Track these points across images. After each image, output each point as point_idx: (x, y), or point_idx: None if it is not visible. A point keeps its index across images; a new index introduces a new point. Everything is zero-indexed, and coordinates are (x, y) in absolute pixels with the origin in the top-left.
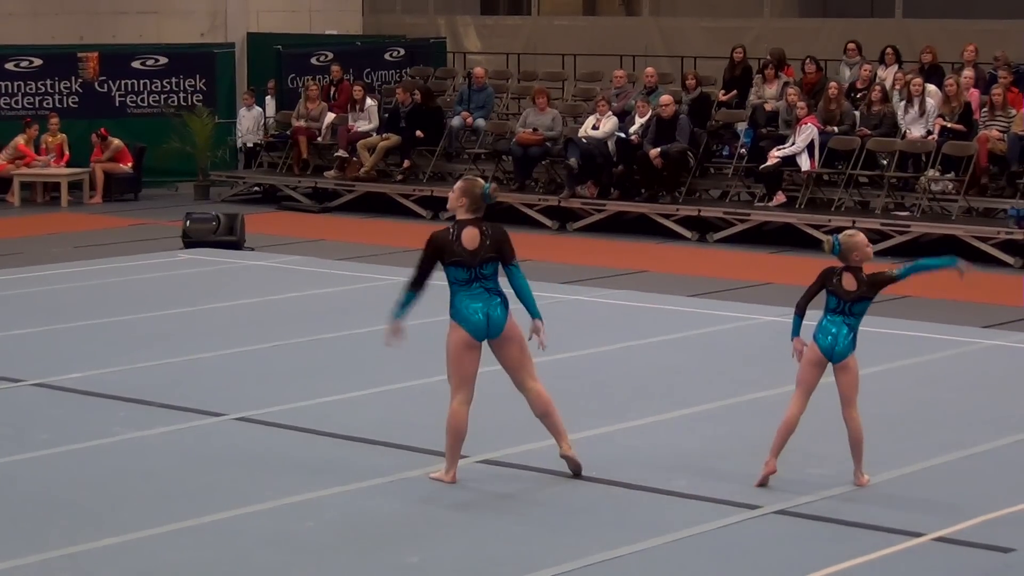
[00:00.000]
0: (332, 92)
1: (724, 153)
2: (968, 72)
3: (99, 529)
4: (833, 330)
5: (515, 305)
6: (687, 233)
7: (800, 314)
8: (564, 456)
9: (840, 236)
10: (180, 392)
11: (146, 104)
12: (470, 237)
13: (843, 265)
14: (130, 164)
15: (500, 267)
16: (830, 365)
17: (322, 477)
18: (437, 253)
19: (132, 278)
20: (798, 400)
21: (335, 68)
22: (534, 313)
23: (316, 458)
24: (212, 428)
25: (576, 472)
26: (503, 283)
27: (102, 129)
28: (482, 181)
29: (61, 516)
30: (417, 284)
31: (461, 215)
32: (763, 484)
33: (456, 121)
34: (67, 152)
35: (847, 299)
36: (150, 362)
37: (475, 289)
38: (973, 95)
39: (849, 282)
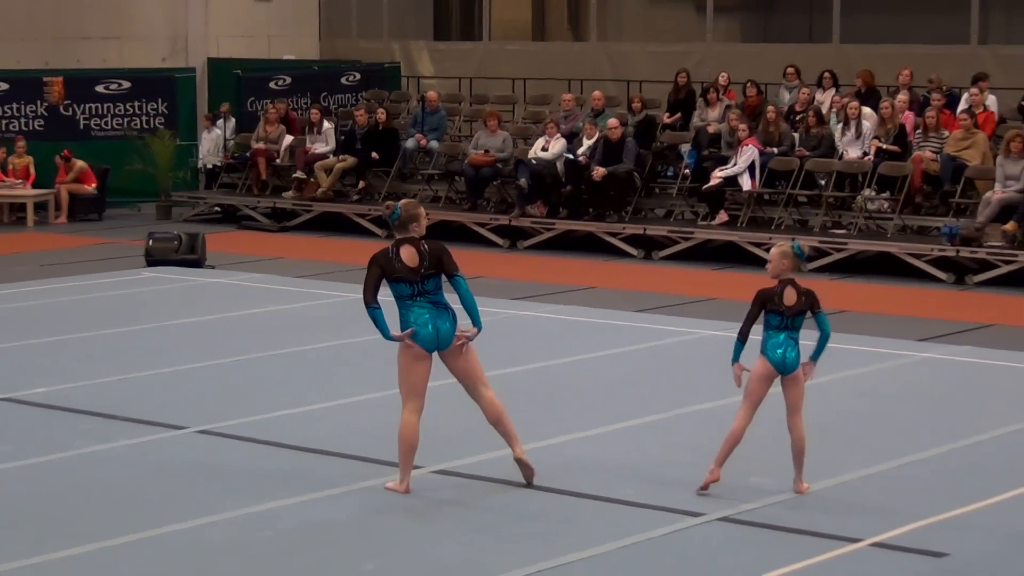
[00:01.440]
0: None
1: (669, 173)
2: (902, 95)
3: (63, 539)
4: (781, 345)
5: (464, 320)
6: (633, 251)
7: (742, 340)
8: (518, 460)
9: (401, 203)
10: (142, 406)
11: (109, 127)
12: (408, 255)
13: (777, 284)
14: (94, 185)
15: (444, 280)
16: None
17: (279, 488)
18: (380, 271)
19: (96, 295)
20: (745, 413)
21: (279, 103)
22: (476, 323)
23: (274, 469)
24: (173, 441)
25: (529, 477)
26: (452, 298)
27: (65, 151)
28: (395, 204)
29: (25, 527)
30: (371, 298)
31: (399, 234)
32: (704, 490)
33: (410, 143)
34: (33, 173)
35: (789, 314)
36: (113, 376)
37: (420, 303)
38: (908, 117)
39: (791, 297)
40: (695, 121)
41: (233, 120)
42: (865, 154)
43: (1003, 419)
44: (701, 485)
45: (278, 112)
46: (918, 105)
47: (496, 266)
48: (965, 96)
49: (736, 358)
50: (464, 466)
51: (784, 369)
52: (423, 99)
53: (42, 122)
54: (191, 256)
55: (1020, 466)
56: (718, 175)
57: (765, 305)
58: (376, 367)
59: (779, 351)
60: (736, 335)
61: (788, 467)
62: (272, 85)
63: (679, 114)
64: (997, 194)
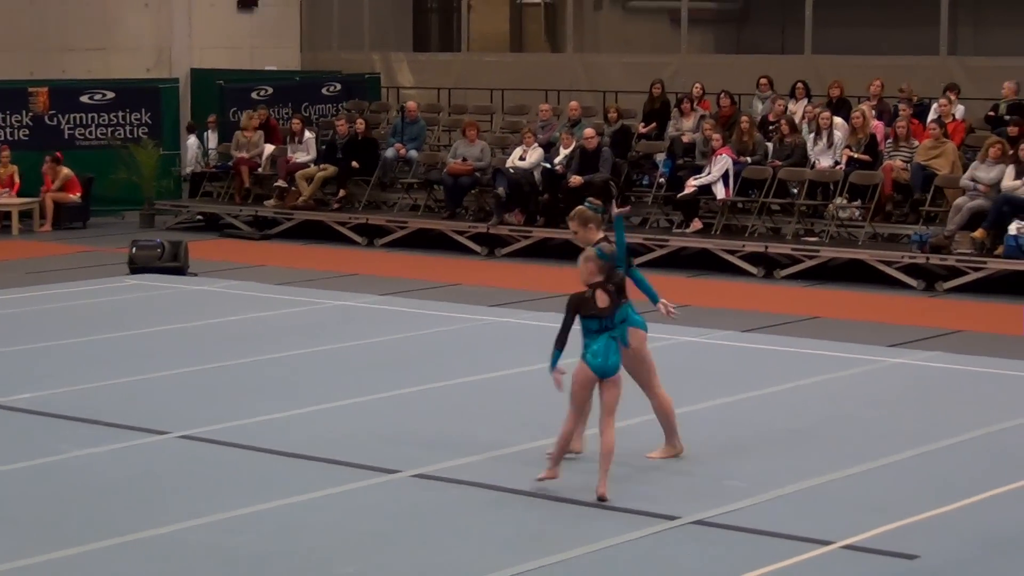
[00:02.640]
0: (263, 131)
1: (644, 182)
2: (864, 106)
3: (45, 543)
4: (601, 350)
5: None
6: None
7: (560, 348)
8: (677, 453)
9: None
10: (125, 411)
11: (94, 136)
12: (602, 298)
13: (587, 289)
14: (79, 194)
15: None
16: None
17: (261, 492)
18: (575, 309)
19: (80, 303)
20: (574, 416)
21: (261, 111)
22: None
23: (254, 474)
24: (157, 446)
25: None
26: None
27: (57, 153)
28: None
29: (8, 530)
30: (561, 341)
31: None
32: (540, 480)
33: (390, 152)
34: (17, 182)
35: (606, 315)
36: (97, 382)
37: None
38: (878, 127)
39: (603, 299)
40: (670, 131)
41: (211, 131)
42: (837, 163)
43: (972, 423)
44: (539, 478)
45: (260, 118)
46: (888, 115)
47: (474, 273)
48: (935, 106)
49: (554, 364)
50: (442, 470)
51: (604, 373)
52: (403, 109)
53: (27, 132)
54: (174, 263)
55: (990, 469)
56: (692, 184)
57: (579, 311)
58: (353, 374)
59: (599, 360)
60: (554, 343)
61: (761, 471)
62: (254, 95)
63: (654, 124)
64: (968, 201)
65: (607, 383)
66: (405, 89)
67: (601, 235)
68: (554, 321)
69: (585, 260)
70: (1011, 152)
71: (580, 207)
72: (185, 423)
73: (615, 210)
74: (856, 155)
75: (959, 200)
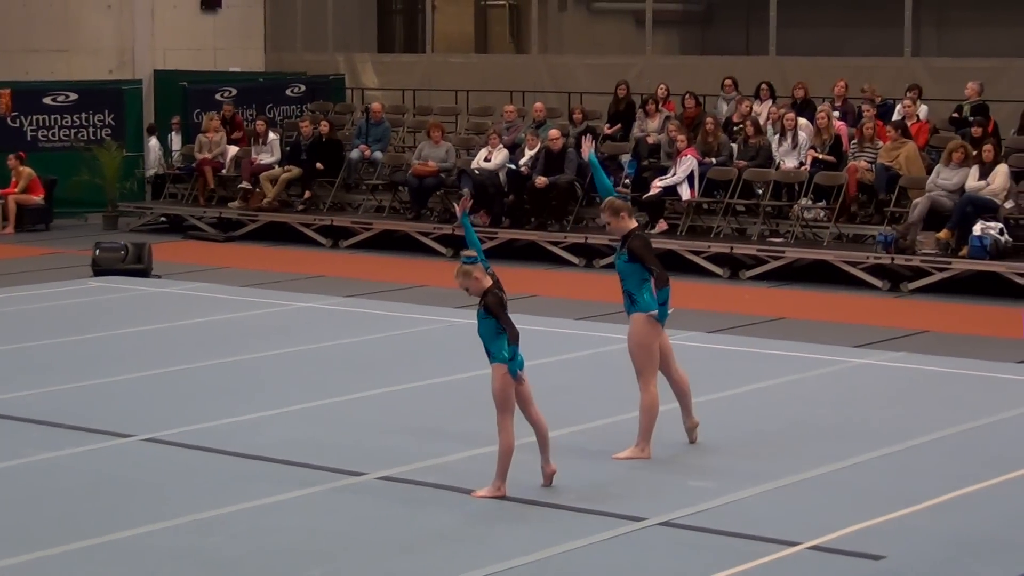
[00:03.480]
0: (228, 126)
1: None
2: (823, 108)
3: (11, 547)
4: (516, 353)
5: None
6: (575, 259)
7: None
8: (694, 425)
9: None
10: (89, 414)
11: (57, 138)
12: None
13: (485, 294)
14: (42, 196)
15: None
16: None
17: (227, 494)
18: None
19: (43, 305)
20: (511, 426)
21: (226, 107)
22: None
23: (221, 476)
24: (121, 448)
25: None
26: None
27: (21, 152)
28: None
29: None
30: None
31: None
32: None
33: (355, 154)
34: None
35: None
36: (60, 385)
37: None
38: (841, 128)
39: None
40: (635, 132)
41: (175, 133)
42: (801, 164)
43: (937, 423)
44: (477, 493)
45: (226, 113)
46: (852, 116)
47: (440, 275)
48: (898, 107)
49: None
50: (410, 472)
51: (516, 372)
52: (367, 110)
53: None
54: (138, 266)
55: (955, 469)
56: (658, 185)
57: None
58: (321, 375)
59: (516, 364)
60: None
61: (728, 472)
62: (218, 97)
63: (619, 125)
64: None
65: (520, 379)
66: (370, 90)
67: None
68: (519, 322)
69: (466, 275)
70: (975, 153)
71: (610, 198)
72: (150, 426)
73: (458, 209)
74: (821, 156)
75: (919, 199)
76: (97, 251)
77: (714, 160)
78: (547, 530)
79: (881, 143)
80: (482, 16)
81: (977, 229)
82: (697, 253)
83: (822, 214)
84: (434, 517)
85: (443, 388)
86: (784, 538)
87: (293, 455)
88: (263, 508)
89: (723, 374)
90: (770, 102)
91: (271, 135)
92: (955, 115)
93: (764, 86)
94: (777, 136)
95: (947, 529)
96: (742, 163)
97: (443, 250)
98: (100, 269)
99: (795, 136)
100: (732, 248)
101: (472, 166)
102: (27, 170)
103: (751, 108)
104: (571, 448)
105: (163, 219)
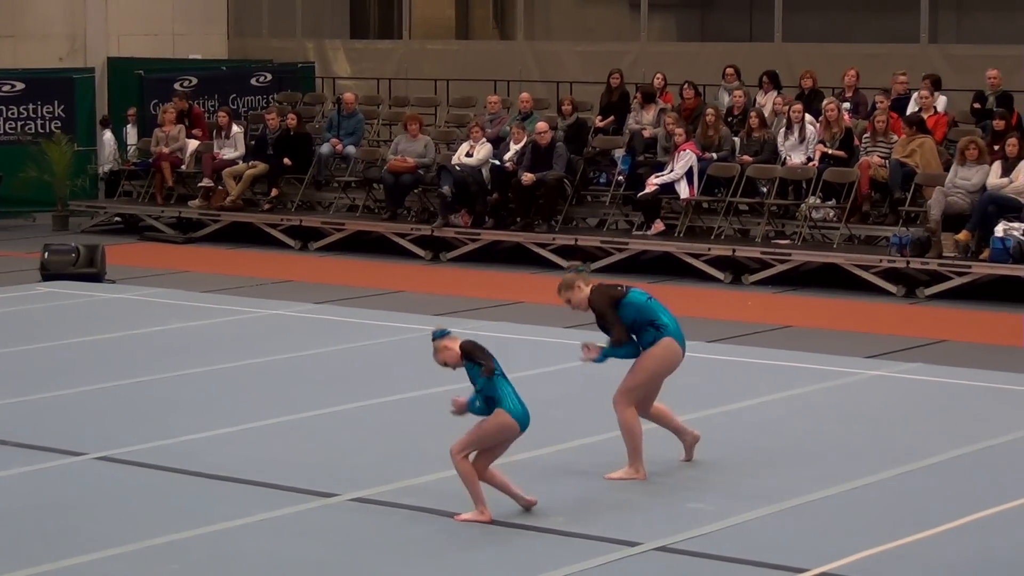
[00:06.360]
0: (186, 120)
1: (601, 180)
2: (829, 102)
3: None
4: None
5: None
6: (564, 263)
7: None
8: (694, 440)
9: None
10: (38, 430)
11: (2, 131)
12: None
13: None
14: None
15: None
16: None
17: (187, 517)
18: None
19: None
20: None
21: (178, 100)
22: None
23: (180, 498)
24: (72, 468)
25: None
26: None
27: None
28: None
29: None
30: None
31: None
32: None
33: (325, 148)
34: None
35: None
36: (7, 399)
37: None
38: (849, 121)
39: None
40: (629, 124)
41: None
42: (809, 159)
43: (955, 441)
44: (460, 517)
45: (176, 108)
46: (864, 108)
47: (418, 280)
48: (914, 98)
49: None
50: (385, 494)
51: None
52: (339, 101)
53: None
54: (90, 270)
55: (973, 491)
56: (654, 182)
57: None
58: (285, 389)
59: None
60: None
61: (724, 494)
62: (177, 86)
63: (612, 117)
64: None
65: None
66: (342, 79)
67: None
68: (504, 331)
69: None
70: (996, 148)
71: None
72: (103, 443)
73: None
74: (830, 151)
75: (936, 194)
76: (46, 254)
77: (715, 155)
78: (534, 556)
79: (896, 137)
80: None
81: (999, 230)
82: (696, 256)
83: (832, 214)
84: (412, 543)
85: (420, 402)
86: (789, 564)
87: (258, 475)
88: (225, 532)
89: (724, 387)
90: (775, 92)
91: (235, 128)
92: (977, 106)
93: (767, 76)
94: (783, 129)
95: (963, 555)
96: (745, 158)
97: (421, 253)
98: (49, 273)
99: (802, 129)
100: (734, 251)
101: (453, 162)
102: None
103: (754, 99)
104: (560, 467)
105: (117, 219)
